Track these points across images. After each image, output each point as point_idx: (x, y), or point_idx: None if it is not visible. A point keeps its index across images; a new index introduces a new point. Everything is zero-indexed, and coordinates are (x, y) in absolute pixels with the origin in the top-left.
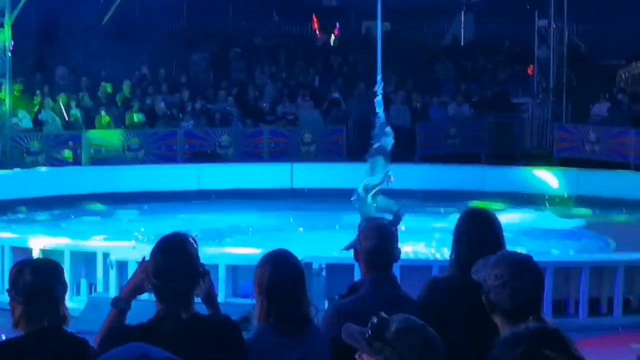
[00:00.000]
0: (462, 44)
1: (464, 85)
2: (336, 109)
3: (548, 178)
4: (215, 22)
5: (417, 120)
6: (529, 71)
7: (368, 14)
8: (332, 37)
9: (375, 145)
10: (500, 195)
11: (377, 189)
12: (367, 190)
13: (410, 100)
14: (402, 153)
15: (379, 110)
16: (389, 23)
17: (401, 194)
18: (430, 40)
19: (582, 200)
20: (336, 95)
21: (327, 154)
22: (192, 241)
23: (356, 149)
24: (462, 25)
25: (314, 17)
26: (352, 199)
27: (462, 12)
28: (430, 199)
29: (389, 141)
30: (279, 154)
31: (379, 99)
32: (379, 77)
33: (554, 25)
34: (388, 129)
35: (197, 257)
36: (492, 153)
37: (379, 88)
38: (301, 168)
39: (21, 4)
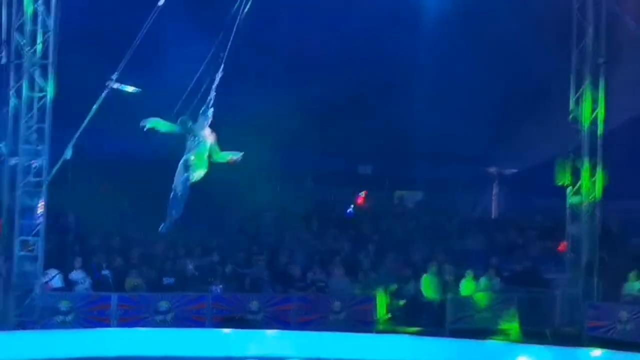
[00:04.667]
0: (493, 216)
1: (494, 258)
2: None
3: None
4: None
5: (447, 292)
6: (561, 247)
7: (401, 183)
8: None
9: None
10: None
11: None
12: None
13: (441, 272)
14: (431, 326)
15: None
16: (421, 192)
17: None
18: (462, 211)
19: None
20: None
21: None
22: None
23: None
24: (494, 197)
25: (364, 192)
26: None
27: (494, 184)
28: None
29: None
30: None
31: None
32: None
33: (585, 202)
34: None
35: None
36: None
37: None
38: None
39: (58, 165)
